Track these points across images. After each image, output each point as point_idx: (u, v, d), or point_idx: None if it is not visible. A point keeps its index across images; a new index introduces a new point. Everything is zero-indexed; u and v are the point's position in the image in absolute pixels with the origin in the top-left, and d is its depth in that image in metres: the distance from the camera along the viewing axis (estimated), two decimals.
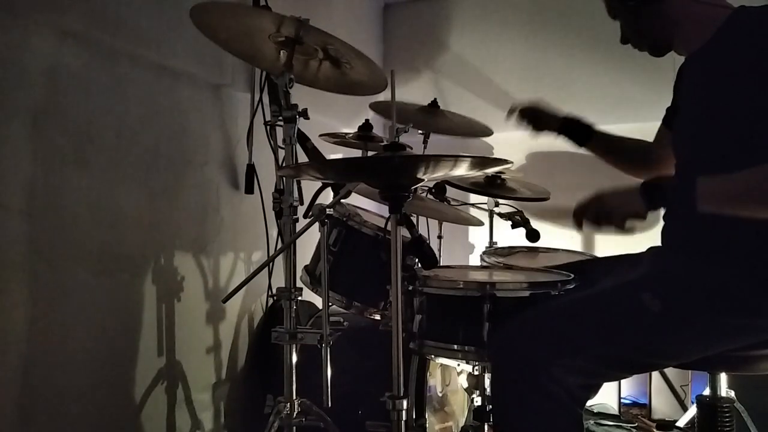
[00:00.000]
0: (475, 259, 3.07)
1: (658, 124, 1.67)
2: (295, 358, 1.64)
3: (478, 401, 1.62)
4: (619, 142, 1.77)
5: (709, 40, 1.35)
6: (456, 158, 1.17)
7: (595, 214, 1.33)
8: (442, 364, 1.91)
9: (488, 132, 2.48)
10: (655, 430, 2.45)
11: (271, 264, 2.21)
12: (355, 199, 1.85)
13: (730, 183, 1.21)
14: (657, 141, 1.70)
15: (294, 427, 1.65)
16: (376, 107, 2.39)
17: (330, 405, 1.54)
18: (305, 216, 1.63)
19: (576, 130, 1.76)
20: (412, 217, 1.46)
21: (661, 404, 2.63)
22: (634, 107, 2.85)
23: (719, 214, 1.21)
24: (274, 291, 2.22)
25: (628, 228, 1.30)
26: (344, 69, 1.68)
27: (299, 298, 1.67)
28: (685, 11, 1.38)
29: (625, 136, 1.77)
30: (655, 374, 2.52)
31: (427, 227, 2.64)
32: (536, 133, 1.81)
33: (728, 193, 1.21)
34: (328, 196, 1.70)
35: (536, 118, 1.81)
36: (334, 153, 2.60)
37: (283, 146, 1.65)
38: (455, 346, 1.46)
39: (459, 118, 2.46)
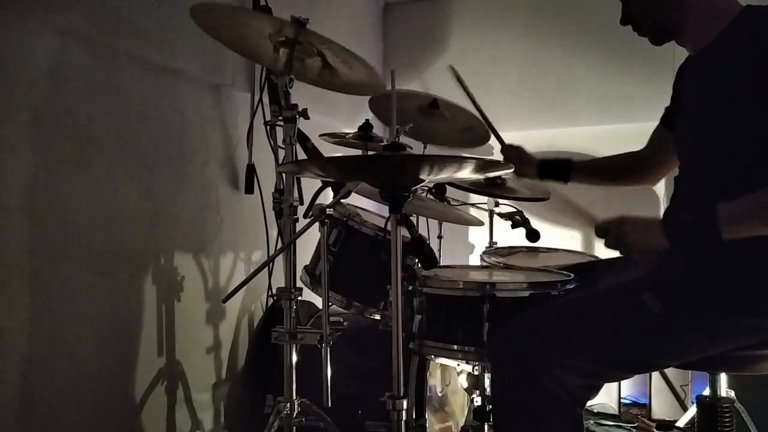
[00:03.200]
0: (475, 259, 3.07)
1: (657, 124, 1.67)
2: (295, 358, 1.64)
3: (478, 401, 1.62)
4: (600, 163, 1.84)
5: (716, 38, 1.34)
6: (461, 160, 1.16)
7: (615, 240, 1.31)
8: (442, 364, 1.91)
9: (485, 139, 2.45)
10: (655, 430, 2.45)
11: (271, 264, 2.21)
12: (355, 199, 1.85)
13: (749, 205, 1.20)
14: (652, 142, 1.69)
15: (294, 427, 1.65)
16: (374, 105, 2.38)
17: (330, 405, 1.54)
18: (305, 216, 1.63)
19: (555, 169, 1.83)
20: (412, 217, 1.46)
21: (661, 404, 2.63)
22: (634, 107, 2.85)
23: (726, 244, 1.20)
24: (274, 291, 2.22)
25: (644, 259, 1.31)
26: (344, 69, 1.68)
27: (299, 298, 1.67)
28: (697, 2, 1.37)
29: (605, 156, 1.84)
30: (655, 374, 2.51)
31: (427, 227, 2.63)
32: (518, 177, 1.91)
33: (747, 217, 1.20)
34: (328, 196, 1.70)
35: (517, 162, 1.87)
36: (334, 153, 2.60)
37: (283, 146, 1.65)
38: (455, 346, 1.46)
39: (459, 116, 2.45)
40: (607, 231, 1.33)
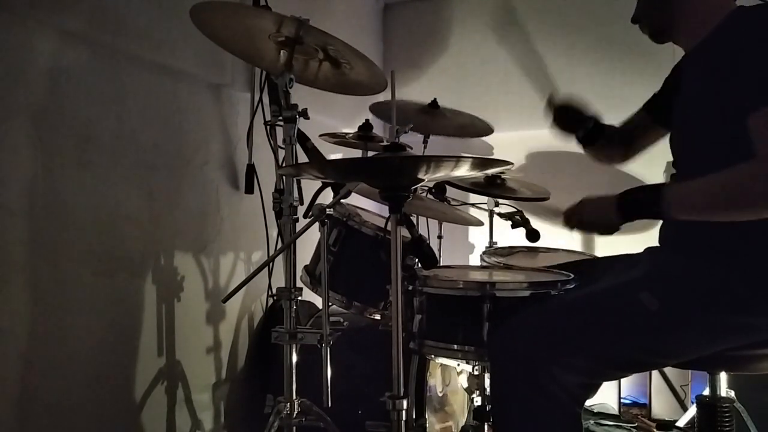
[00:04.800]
0: (475, 259, 3.07)
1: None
2: (295, 358, 1.64)
3: (478, 401, 1.62)
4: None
5: (707, 36, 1.35)
6: (457, 159, 1.17)
7: (577, 221, 1.42)
8: (442, 364, 1.91)
9: (489, 131, 2.48)
10: (655, 430, 2.45)
11: (271, 264, 2.21)
12: (355, 199, 1.85)
13: (696, 189, 1.24)
14: (630, 122, 1.76)
15: (294, 427, 1.65)
16: (375, 109, 2.39)
17: (330, 405, 1.54)
18: (305, 216, 1.63)
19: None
20: (412, 217, 1.46)
21: (661, 404, 2.63)
22: (634, 107, 2.84)
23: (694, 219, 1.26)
24: (274, 291, 2.22)
25: (609, 233, 1.38)
26: (344, 69, 1.68)
27: (299, 298, 1.67)
28: (691, 1, 1.39)
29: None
30: (655, 374, 2.52)
31: (427, 227, 2.63)
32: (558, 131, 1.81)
33: (696, 200, 1.24)
34: (328, 196, 1.70)
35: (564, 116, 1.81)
36: (334, 153, 2.60)
37: (283, 146, 1.64)
38: (455, 346, 1.46)
39: (459, 116, 2.46)
40: (572, 215, 1.44)
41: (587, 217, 1.41)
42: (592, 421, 2.54)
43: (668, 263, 1.34)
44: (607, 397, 2.68)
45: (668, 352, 1.29)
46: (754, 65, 1.22)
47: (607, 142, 1.77)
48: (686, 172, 1.41)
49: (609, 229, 1.37)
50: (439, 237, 2.67)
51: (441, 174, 1.33)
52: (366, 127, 2.19)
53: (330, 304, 1.60)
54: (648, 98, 1.74)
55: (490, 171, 1.88)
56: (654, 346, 1.27)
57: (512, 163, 1.22)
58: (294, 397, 1.65)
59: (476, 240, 3.14)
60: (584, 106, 1.80)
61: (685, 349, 1.28)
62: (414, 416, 1.70)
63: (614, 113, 2.90)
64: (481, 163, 1.26)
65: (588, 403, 1.30)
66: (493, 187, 2.20)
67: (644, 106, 1.71)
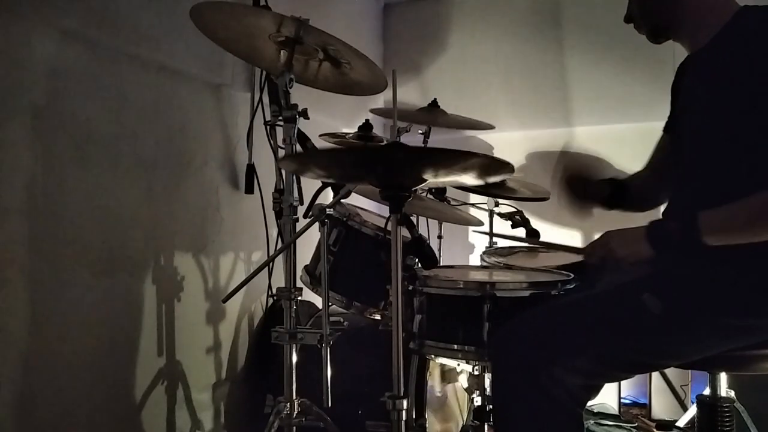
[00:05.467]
0: (475, 259, 3.07)
1: (658, 124, 1.66)
2: (295, 358, 1.64)
3: (478, 401, 1.62)
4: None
5: (713, 38, 1.34)
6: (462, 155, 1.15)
7: (604, 259, 1.32)
8: (442, 364, 1.91)
9: (489, 126, 2.47)
10: (655, 430, 2.46)
11: (271, 264, 2.21)
12: (355, 199, 1.85)
13: (732, 214, 1.21)
14: (658, 149, 1.65)
15: (294, 427, 1.65)
16: (376, 112, 2.39)
17: (330, 405, 1.54)
18: (305, 216, 1.63)
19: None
20: (412, 217, 1.46)
21: (661, 404, 2.63)
22: (634, 107, 2.85)
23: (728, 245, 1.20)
24: (274, 291, 2.22)
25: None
26: (344, 69, 1.68)
27: (299, 298, 1.67)
28: (694, 1, 1.37)
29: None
30: (655, 374, 2.52)
31: (427, 227, 2.64)
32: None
33: (731, 225, 1.21)
34: (328, 196, 1.70)
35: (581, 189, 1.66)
36: None
37: (283, 146, 1.65)
38: (455, 346, 1.46)
39: (459, 118, 2.46)
40: (595, 254, 1.35)
41: (614, 252, 1.30)
42: (592, 421, 2.54)
43: (671, 265, 1.34)
44: (607, 397, 2.68)
45: (671, 353, 1.29)
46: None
47: (639, 192, 1.64)
48: (693, 173, 1.40)
49: (640, 263, 1.28)
50: (439, 237, 2.67)
51: (443, 179, 1.32)
52: (366, 127, 2.19)
53: (330, 304, 1.60)
54: (653, 109, 1.66)
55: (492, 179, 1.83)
56: (656, 348, 1.26)
57: (512, 171, 1.21)
58: (294, 397, 1.65)
59: (476, 240, 3.14)
60: (595, 169, 1.65)
61: (687, 351, 1.28)
62: (414, 416, 1.70)
63: (614, 113, 2.92)
64: (485, 167, 1.24)
65: (588, 403, 1.30)
66: (493, 187, 2.19)
67: (664, 129, 1.61)
